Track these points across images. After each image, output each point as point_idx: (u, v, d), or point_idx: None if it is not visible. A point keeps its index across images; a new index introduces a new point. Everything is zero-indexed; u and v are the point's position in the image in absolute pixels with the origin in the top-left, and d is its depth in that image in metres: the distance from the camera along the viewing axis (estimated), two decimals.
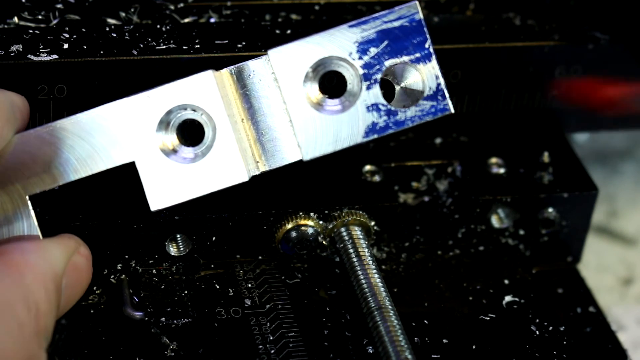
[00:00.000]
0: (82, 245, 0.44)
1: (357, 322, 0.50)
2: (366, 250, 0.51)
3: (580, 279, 0.55)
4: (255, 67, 0.46)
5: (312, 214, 0.51)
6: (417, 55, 0.46)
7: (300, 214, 0.51)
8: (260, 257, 0.52)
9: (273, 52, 0.46)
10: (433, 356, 0.49)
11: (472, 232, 0.54)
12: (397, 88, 0.46)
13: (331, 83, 0.46)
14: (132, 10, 0.53)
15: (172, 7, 0.53)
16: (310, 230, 0.51)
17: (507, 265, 0.55)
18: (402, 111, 0.46)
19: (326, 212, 0.52)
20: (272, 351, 0.48)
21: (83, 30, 0.50)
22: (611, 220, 0.66)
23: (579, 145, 0.67)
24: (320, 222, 0.51)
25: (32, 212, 0.44)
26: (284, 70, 0.46)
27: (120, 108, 0.44)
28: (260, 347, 0.48)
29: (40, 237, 0.44)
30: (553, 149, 0.56)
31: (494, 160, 0.56)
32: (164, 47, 0.50)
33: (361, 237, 0.51)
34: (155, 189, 0.45)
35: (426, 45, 0.45)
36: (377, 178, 0.54)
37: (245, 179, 0.45)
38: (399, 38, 0.45)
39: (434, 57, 0.46)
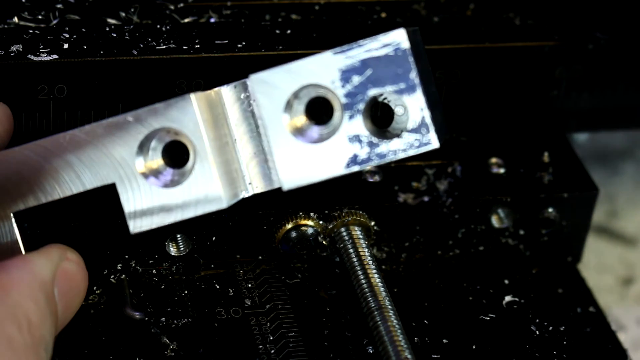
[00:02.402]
0: (69, 251, 0.44)
1: (357, 322, 0.50)
2: (366, 250, 0.51)
3: (580, 279, 0.55)
4: (249, 87, 0.45)
5: (312, 214, 0.51)
6: (402, 86, 0.43)
7: (300, 214, 0.51)
8: (260, 257, 0.52)
9: (254, 77, 0.44)
10: (433, 356, 0.49)
11: (472, 232, 0.54)
12: (382, 122, 0.44)
13: (323, 108, 0.45)
14: (132, 10, 0.53)
15: (172, 7, 0.53)
16: (310, 230, 0.51)
17: (507, 265, 0.55)
18: (385, 143, 0.44)
19: (326, 212, 0.52)
20: (272, 351, 0.48)
21: (83, 30, 0.50)
22: (611, 220, 0.66)
23: (579, 145, 0.67)
24: (320, 222, 0.51)
25: (16, 229, 0.44)
26: (264, 96, 0.44)
27: (101, 129, 0.44)
28: (260, 347, 0.48)
29: (23, 251, 0.44)
30: (553, 149, 0.56)
31: (494, 160, 0.56)
32: (164, 47, 0.50)
33: (361, 237, 0.51)
34: (134, 212, 0.44)
35: (411, 76, 0.43)
36: (377, 178, 0.53)
37: (223, 206, 0.44)
38: (383, 67, 0.43)
39: (419, 88, 0.43)
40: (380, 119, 0.44)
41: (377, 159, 0.44)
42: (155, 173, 0.44)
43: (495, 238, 0.55)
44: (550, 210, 0.54)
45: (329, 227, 0.52)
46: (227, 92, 0.45)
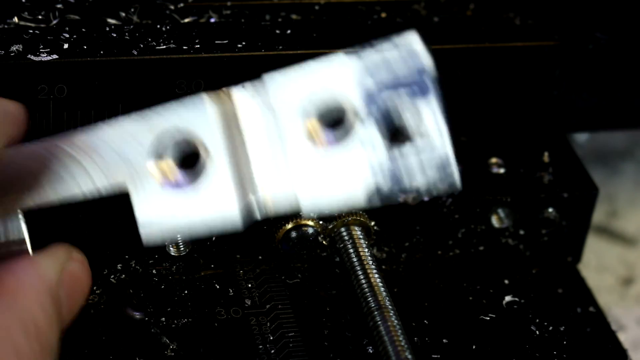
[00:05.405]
0: (74, 250, 0.43)
1: (357, 322, 0.50)
2: (366, 250, 0.51)
3: (580, 279, 0.55)
4: (261, 88, 0.43)
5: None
6: (416, 89, 0.42)
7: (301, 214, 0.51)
8: (260, 257, 0.52)
9: (267, 78, 0.43)
10: (433, 356, 0.49)
11: (472, 232, 0.54)
12: (394, 126, 0.43)
13: (336, 110, 0.43)
14: (132, 10, 0.53)
15: (172, 7, 0.53)
16: (310, 230, 0.51)
17: (507, 265, 0.55)
18: (398, 149, 0.42)
19: None
20: (272, 351, 0.48)
21: (83, 30, 0.50)
22: (611, 220, 0.66)
23: (579, 145, 0.67)
24: (320, 222, 0.51)
25: (24, 228, 0.44)
26: (277, 98, 0.43)
27: (113, 129, 0.43)
28: (260, 347, 0.48)
29: (30, 251, 0.44)
30: (553, 149, 0.56)
31: (494, 160, 0.56)
32: (164, 47, 0.50)
33: (361, 237, 0.51)
34: (147, 220, 0.43)
35: (426, 78, 0.42)
36: None
37: (239, 225, 0.42)
38: (396, 69, 0.42)
39: (433, 92, 0.42)
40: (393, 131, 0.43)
41: (388, 172, 0.42)
42: (167, 175, 0.43)
43: (495, 238, 0.55)
44: (550, 210, 0.54)
45: (329, 227, 0.52)
46: (237, 93, 0.44)
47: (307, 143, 0.43)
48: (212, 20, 0.53)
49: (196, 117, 0.43)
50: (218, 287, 0.51)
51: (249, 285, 0.51)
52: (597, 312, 0.53)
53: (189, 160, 0.43)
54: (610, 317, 0.53)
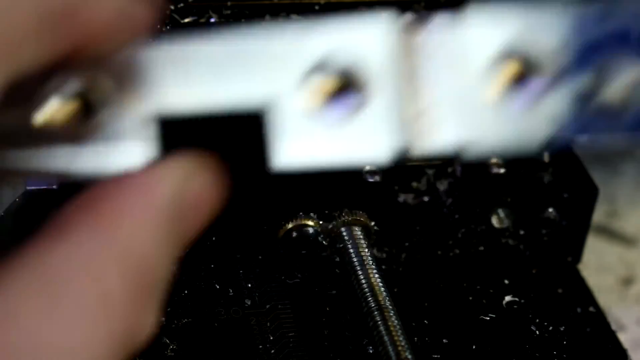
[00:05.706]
0: (202, 157, 0.32)
1: (357, 322, 0.50)
2: (366, 250, 0.51)
3: (580, 279, 0.55)
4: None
5: (312, 214, 0.51)
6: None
7: (300, 214, 0.51)
8: (260, 257, 0.52)
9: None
10: (433, 356, 0.49)
11: (472, 232, 0.54)
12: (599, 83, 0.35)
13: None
14: None
15: (172, 7, 0.53)
16: (310, 230, 0.51)
17: (507, 265, 0.55)
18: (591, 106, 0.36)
19: (326, 212, 0.51)
20: (272, 351, 0.48)
21: None
22: (611, 220, 0.66)
23: (579, 146, 0.67)
24: (320, 222, 0.51)
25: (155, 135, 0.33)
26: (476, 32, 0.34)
27: (273, 33, 0.35)
28: (260, 347, 0.48)
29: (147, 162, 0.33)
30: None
31: (494, 160, 0.55)
32: None
33: (361, 237, 0.51)
34: (284, 147, 0.34)
35: None
36: (377, 178, 0.53)
37: (386, 165, 0.37)
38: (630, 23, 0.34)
39: None
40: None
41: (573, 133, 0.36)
42: (324, 99, 0.35)
43: (496, 238, 0.55)
44: (550, 210, 0.54)
45: (329, 227, 0.52)
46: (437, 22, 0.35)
47: (497, 86, 0.35)
48: (212, 20, 0.53)
49: (373, 40, 0.35)
50: (218, 287, 0.51)
51: (249, 285, 0.51)
52: (597, 312, 0.53)
53: (347, 88, 0.35)
54: (610, 317, 0.53)
